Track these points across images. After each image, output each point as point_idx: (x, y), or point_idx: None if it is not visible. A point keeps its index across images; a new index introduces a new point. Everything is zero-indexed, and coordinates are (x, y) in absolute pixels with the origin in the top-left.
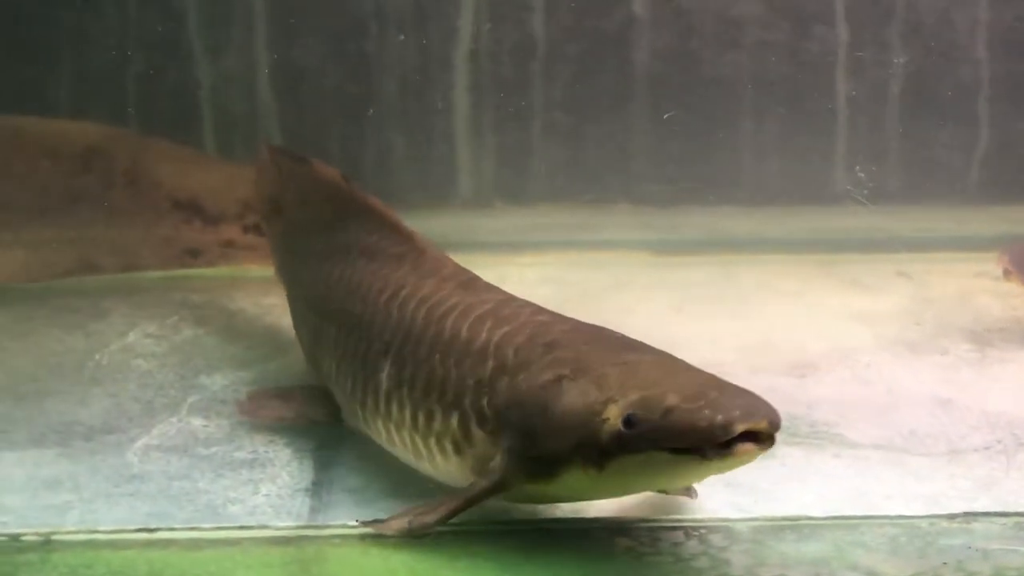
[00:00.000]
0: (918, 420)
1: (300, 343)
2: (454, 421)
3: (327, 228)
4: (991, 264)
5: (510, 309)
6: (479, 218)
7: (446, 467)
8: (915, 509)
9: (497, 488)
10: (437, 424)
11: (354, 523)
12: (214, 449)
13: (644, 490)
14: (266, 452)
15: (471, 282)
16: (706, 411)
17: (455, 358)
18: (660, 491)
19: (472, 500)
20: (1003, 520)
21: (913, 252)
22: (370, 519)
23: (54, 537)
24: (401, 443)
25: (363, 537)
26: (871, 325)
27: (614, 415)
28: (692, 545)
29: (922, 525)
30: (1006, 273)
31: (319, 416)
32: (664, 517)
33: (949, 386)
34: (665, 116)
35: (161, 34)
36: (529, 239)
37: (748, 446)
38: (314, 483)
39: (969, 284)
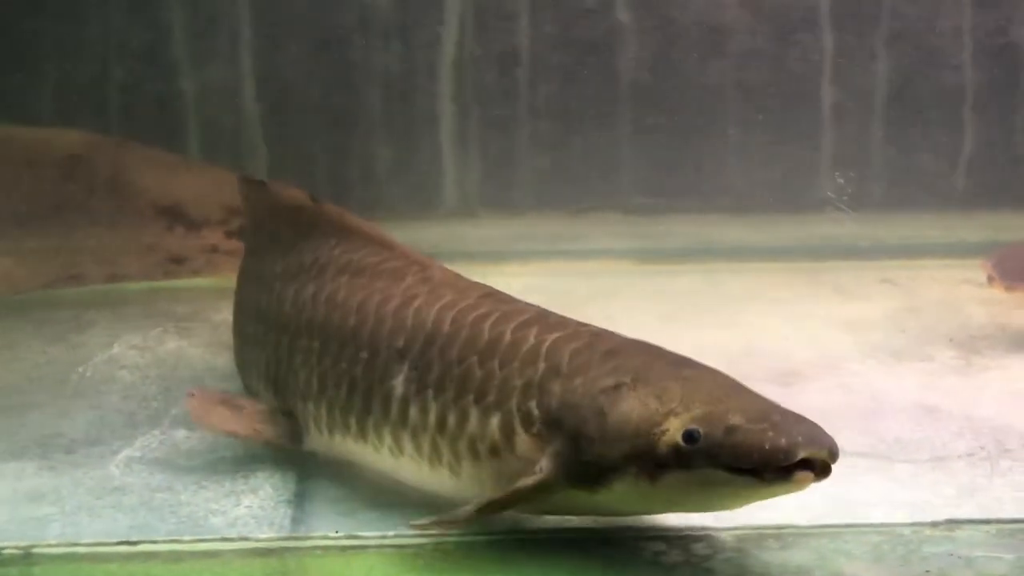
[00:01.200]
0: (903, 427)
1: (246, 370)
2: (494, 422)
3: (292, 249)
4: (976, 271)
5: (555, 318)
6: (464, 227)
7: (473, 473)
8: (899, 517)
9: (542, 490)
10: (472, 426)
11: (335, 533)
12: (196, 461)
13: (688, 510)
14: (248, 464)
15: (496, 293)
16: (770, 433)
17: (499, 360)
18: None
19: (514, 499)
20: (986, 527)
21: (899, 259)
22: (419, 524)
23: (35, 550)
24: (414, 450)
25: (344, 548)
26: (857, 333)
27: (675, 428)
28: (674, 554)
29: (905, 533)
30: (990, 279)
31: (276, 437)
32: (647, 526)
33: (934, 393)
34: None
35: (145, 45)
36: (515, 248)
37: (806, 474)
38: (296, 494)
39: (954, 291)
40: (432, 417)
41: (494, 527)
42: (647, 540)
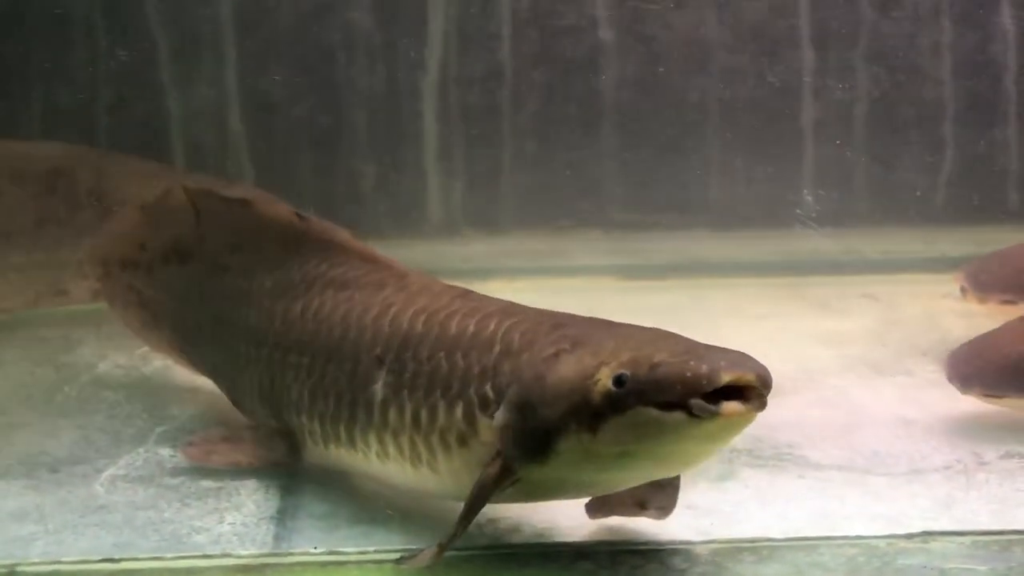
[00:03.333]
0: (881, 441)
1: (237, 389)
2: (459, 412)
3: (277, 267)
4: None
5: (519, 308)
6: (449, 246)
7: (449, 466)
8: (875, 529)
9: (504, 473)
10: (441, 419)
11: (315, 550)
12: (181, 479)
13: (643, 470)
14: (232, 481)
15: (469, 293)
16: (691, 362)
17: (462, 351)
18: (637, 511)
19: (483, 491)
20: (960, 539)
21: (880, 274)
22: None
23: (18, 569)
24: (397, 452)
25: (324, 564)
26: (837, 347)
27: (605, 376)
28: (652, 568)
29: (880, 545)
30: (963, 291)
31: (277, 457)
32: (625, 540)
33: (913, 407)
34: None
35: (130, 66)
36: (499, 266)
37: (736, 405)
38: (279, 511)
39: (935, 305)
40: (408, 416)
41: (474, 542)
42: (626, 554)
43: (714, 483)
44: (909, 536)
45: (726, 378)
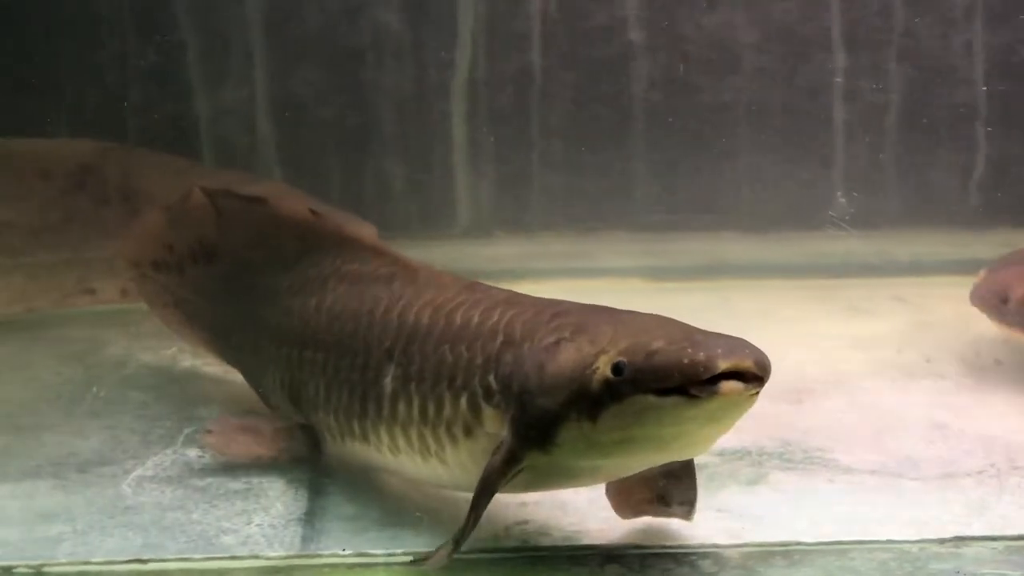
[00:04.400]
0: (913, 445)
1: (264, 386)
2: (464, 403)
3: (295, 263)
4: None
5: (523, 298)
6: (478, 247)
7: (457, 457)
8: (907, 534)
9: (509, 462)
10: (447, 411)
11: (343, 552)
12: (208, 480)
13: (647, 455)
14: (260, 482)
15: (475, 285)
16: (688, 349)
17: (466, 342)
18: (663, 508)
19: (489, 481)
20: (993, 544)
21: (910, 276)
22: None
23: (45, 569)
24: (407, 444)
25: (352, 566)
26: (868, 350)
27: (604, 364)
28: (682, 571)
29: (912, 550)
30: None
31: (299, 451)
32: (654, 543)
33: (944, 410)
34: None
35: (159, 66)
36: (527, 267)
37: (734, 383)
38: (307, 512)
39: (966, 308)
40: (416, 409)
41: (502, 544)
42: (656, 557)
43: (745, 487)
44: (941, 541)
45: (723, 365)
